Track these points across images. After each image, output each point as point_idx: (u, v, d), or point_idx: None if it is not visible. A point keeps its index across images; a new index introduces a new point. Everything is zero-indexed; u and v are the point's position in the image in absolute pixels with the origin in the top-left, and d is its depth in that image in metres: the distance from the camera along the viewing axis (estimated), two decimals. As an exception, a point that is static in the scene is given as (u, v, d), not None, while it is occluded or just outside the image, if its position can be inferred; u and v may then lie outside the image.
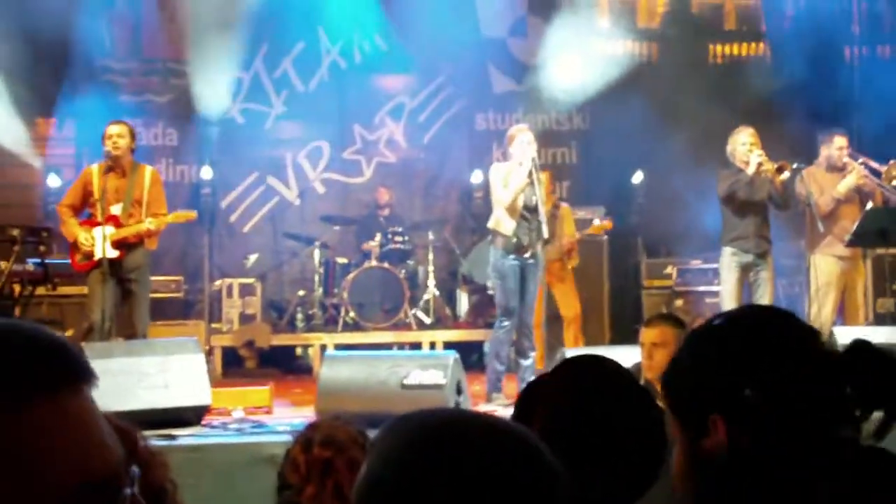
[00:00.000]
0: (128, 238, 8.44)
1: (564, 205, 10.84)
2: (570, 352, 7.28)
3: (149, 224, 8.43)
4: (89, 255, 8.41)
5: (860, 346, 1.73)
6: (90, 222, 8.50)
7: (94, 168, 8.64)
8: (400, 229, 12.15)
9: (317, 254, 11.88)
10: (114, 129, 8.57)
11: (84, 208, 8.64)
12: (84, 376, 1.14)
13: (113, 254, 8.37)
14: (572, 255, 10.54)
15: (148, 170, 8.76)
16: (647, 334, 5.55)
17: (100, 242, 8.36)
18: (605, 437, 2.23)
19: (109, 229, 8.39)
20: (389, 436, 1.28)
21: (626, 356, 5.83)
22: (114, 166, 8.49)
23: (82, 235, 8.42)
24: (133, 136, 8.70)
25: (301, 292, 12.10)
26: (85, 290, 8.74)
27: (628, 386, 2.41)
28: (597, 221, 10.65)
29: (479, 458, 1.23)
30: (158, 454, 2.17)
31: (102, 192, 8.46)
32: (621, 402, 2.32)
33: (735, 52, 13.74)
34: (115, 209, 8.47)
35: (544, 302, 9.06)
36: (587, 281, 11.05)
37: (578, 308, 10.44)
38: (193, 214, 8.98)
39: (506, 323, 8.42)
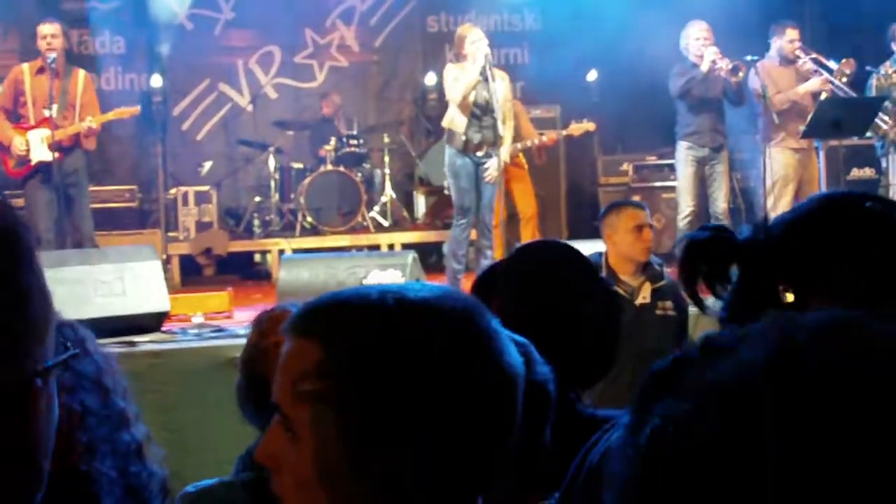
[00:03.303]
0: (63, 141, 8.26)
1: (517, 101, 10.72)
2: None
3: (90, 122, 8.26)
4: (24, 161, 8.23)
5: None
6: (22, 126, 8.30)
7: (25, 67, 8.43)
8: (355, 133, 12.08)
9: (272, 160, 11.79)
10: (47, 29, 8.35)
11: (15, 111, 8.41)
12: None
13: (50, 157, 8.18)
14: (541, 153, 10.53)
15: (81, 73, 8.58)
16: (639, 215, 5.56)
17: (36, 146, 8.18)
18: (560, 323, 2.24)
19: (45, 132, 8.20)
20: (333, 326, 1.24)
21: (583, 249, 5.85)
22: (45, 67, 8.28)
23: (16, 139, 8.23)
24: (66, 36, 8.49)
25: (257, 198, 12.03)
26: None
27: (583, 270, 2.41)
28: (574, 123, 10.46)
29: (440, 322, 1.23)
30: (106, 354, 2.18)
31: (34, 93, 8.27)
32: (576, 286, 2.32)
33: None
34: (48, 112, 8.26)
35: (503, 201, 9.07)
36: (543, 179, 11.06)
37: (535, 206, 10.43)
38: (136, 110, 8.86)
39: (462, 222, 8.44)
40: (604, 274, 5.44)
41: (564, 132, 10.47)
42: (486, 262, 8.44)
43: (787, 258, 1.66)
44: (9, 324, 0.99)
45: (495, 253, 8.64)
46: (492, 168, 8.47)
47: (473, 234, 8.97)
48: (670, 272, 5.73)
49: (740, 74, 8.84)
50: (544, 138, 10.31)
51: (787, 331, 0.76)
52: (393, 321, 1.21)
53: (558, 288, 2.31)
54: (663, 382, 0.78)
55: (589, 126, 10.35)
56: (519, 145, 10.02)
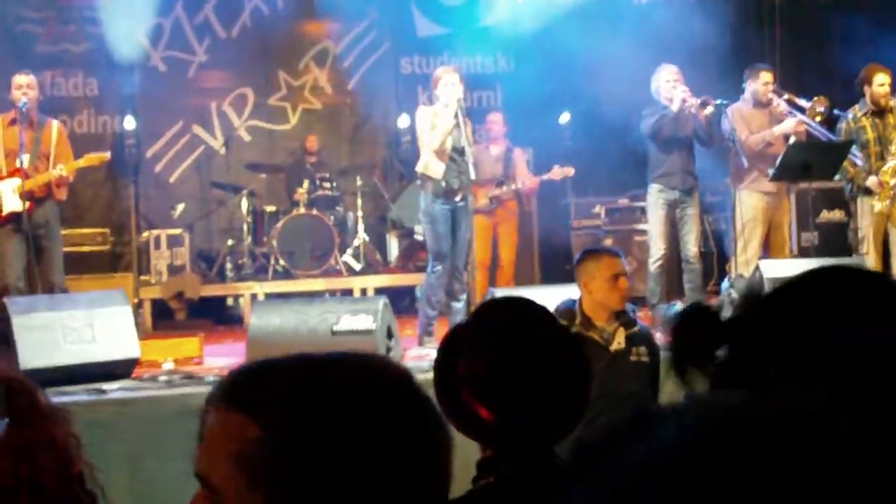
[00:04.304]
0: (35, 191, 8.23)
1: (519, 148, 10.92)
2: (500, 292, 7.32)
3: (60, 171, 8.24)
4: None
5: None
6: None
7: None
8: (328, 175, 12.08)
9: (244, 202, 11.78)
10: (23, 80, 8.36)
11: None
12: None
13: (21, 206, 8.16)
14: (530, 199, 10.73)
15: (55, 124, 8.58)
16: (616, 264, 5.56)
17: (8, 196, 8.15)
18: (529, 379, 2.24)
19: (16, 181, 8.18)
20: (257, 396, 1.23)
21: (557, 295, 5.89)
22: (19, 119, 8.28)
23: None
24: (41, 87, 8.50)
25: (230, 242, 11.99)
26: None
27: (550, 327, 2.42)
28: (557, 167, 10.68)
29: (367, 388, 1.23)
30: (60, 410, 2.14)
31: (6, 144, 8.25)
32: (543, 343, 2.33)
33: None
34: (19, 162, 8.24)
35: (490, 244, 9.22)
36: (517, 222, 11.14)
37: (514, 254, 10.58)
38: (106, 156, 8.84)
39: (438, 267, 8.42)
40: (578, 320, 5.46)
41: (546, 176, 10.60)
42: (457, 306, 8.44)
43: (776, 336, 1.66)
44: None
45: (478, 295, 8.67)
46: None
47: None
48: (641, 317, 5.76)
49: (709, 108, 8.90)
50: (527, 183, 10.49)
51: (709, 414, 0.78)
52: (329, 398, 1.20)
53: (523, 346, 2.31)
54: (595, 454, 0.80)
55: (568, 171, 10.53)
56: (505, 188, 10.23)
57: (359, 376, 1.24)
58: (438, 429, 1.26)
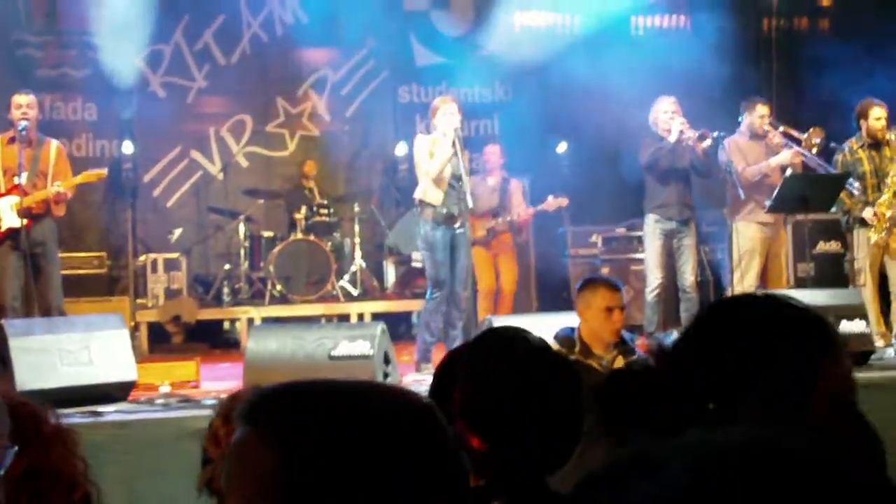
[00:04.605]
0: (33, 208, 8.25)
1: (515, 179, 10.97)
2: (497, 320, 7.33)
3: (57, 187, 8.26)
4: None
5: None
6: None
7: None
8: (325, 202, 12.11)
9: (242, 228, 11.81)
10: (23, 100, 8.39)
11: None
12: None
13: (19, 223, 8.17)
14: (523, 230, 10.79)
15: (54, 143, 8.61)
16: (611, 297, 5.59)
17: (6, 212, 8.16)
18: (523, 408, 2.25)
19: (14, 199, 8.20)
20: (272, 415, 1.22)
21: (555, 323, 5.91)
22: (18, 138, 8.30)
23: None
24: (40, 107, 8.53)
25: (227, 266, 12.01)
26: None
27: (545, 357, 2.43)
28: (551, 198, 10.75)
29: (380, 420, 1.21)
30: (69, 432, 2.15)
31: (5, 163, 8.27)
32: (538, 374, 2.34)
33: (657, 23, 13.83)
34: (17, 180, 8.25)
35: (493, 272, 9.25)
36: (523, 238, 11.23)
37: (515, 282, 10.63)
38: (103, 173, 8.86)
39: (437, 294, 8.43)
40: (577, 347, 5.49)
41: (540, 207, 10.66)
42: (454, 333, 8.45)
43: (693, 378, 1.69)
44: None
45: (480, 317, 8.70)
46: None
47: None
48: (640, 346, 5.79)
49: (707, 141, 8.95)
50: (522, 214, 10.56)
51: (708, 451, 0.80)
52: (347, 427, 1.19)
53: (517, 376, 2.32)
54: (599, 493, 0.82)
55: (562, 202, 10.59)
56: (500, 220, 10.31)
57: (381, 408, 1.23)
58: (456, 464, 1.25)
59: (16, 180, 8.23)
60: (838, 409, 1.68)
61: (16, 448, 1.14)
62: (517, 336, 2.46)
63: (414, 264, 11.52)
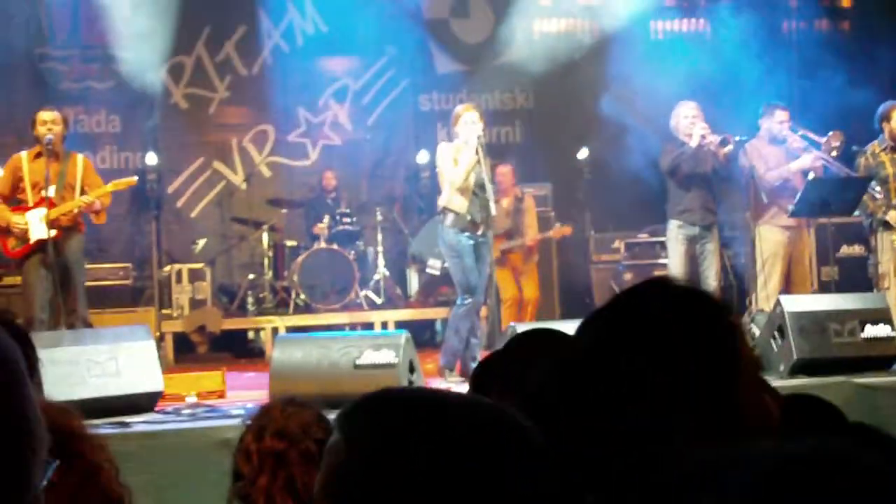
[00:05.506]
0: (61, 220, 8.31)
1: (528, 197, 11.05)
2: (521, 327, 7.33)
3: (84, 198, 8.32)
4: (23, 238, 8.27)
5: None
6: (21, 207, 8.36)
7: (24, 154, 8.50)
8: (348, 211, 12.14)
9: (265, 237, 11.87)
10: (48, 116, 8.44)
11: (14, 197, 8.47)
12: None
13: (47, 234, 8.23)
14: (533, 252, 10.91)
15: (80, 157, 8.66)
16: None
17: (34, 224, 8.23)
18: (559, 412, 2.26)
19: (42, 210, 8.26)
20: (356, 423, 1.24)
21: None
22: (44, 153, 8.36)
23: (14, 219, 8.28)
24: (66, 123, 8.60)
25: (251, 276, 12.07)
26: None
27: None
28: (557, 226, 11.00)
29: (463, 434, 1.20)
30: (96, 437, 2.18)
31: (32, 178, 8.34)
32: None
33: (676, 27, 13.84)
34: (45, 193, 8.32)
35: (514, 281, 9.31)
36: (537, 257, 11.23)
37: (538, 290, 10.73)
38: (133, 180, 8.93)
39: (468, 300, 8.37)
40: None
41: (548, 234, 10.93)
42: (474, 342, 8.44)
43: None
44: (21, 455, 1.02)
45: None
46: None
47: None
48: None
49: (729, 147, 8.93)
50: (533, 238, 10.78)
51: (772, 460, 0.79)
52: (423, 440, 1.19)
53: (554, 378, 2.33)
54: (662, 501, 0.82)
55: (566, 230, 10.97)
56: (514, 242, 10.54)
57: (469, 424, 1.22)
58: (549, 472, 1.24)
59: (44, 193, 8.30)
60: (758, 382, 1.66)
61: (58, 462, 1.16)
62: (549, 336, 2.47)
63: (429, 271, 11.53)
